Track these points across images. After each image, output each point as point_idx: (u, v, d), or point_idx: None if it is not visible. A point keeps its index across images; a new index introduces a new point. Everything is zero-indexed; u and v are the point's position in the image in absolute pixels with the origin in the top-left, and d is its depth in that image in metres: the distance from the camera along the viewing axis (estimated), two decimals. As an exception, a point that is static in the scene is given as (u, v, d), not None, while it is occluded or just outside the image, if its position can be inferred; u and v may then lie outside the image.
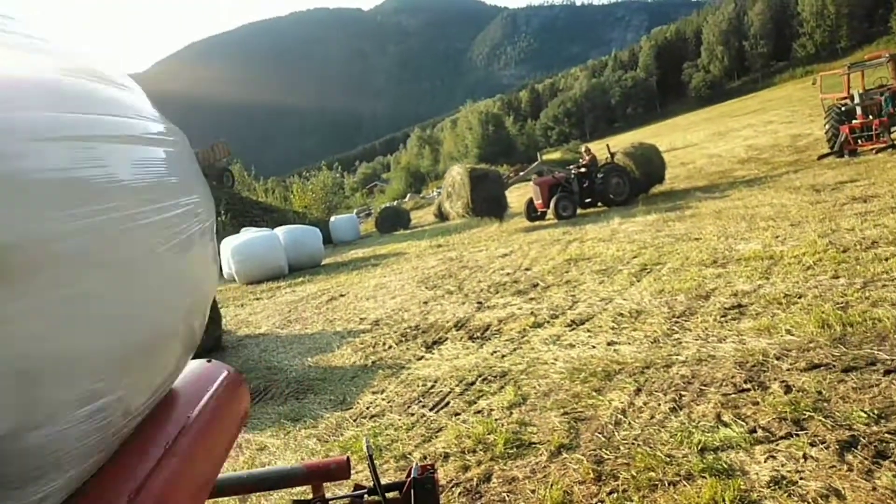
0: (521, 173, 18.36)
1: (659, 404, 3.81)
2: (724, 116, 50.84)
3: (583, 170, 16.49)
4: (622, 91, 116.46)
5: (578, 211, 15.97)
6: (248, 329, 9.66)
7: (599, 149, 18.21)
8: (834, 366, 3.81)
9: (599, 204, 16.36)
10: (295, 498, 3.14)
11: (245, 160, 54.77)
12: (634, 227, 11.51)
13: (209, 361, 1.82)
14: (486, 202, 16.33)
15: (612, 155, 16.84)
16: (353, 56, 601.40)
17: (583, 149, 17.83)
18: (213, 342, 8.14)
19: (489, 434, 3.86)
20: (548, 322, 6.26)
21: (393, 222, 29.13)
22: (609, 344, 5.16)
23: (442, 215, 27.42)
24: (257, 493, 3.44)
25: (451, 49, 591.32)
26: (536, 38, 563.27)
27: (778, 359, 4.10)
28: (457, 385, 4.97)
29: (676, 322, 5.36)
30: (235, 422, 2.03)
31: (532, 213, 16.70)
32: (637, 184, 16.38)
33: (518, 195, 20.50)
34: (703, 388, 3.93)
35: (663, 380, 4.18)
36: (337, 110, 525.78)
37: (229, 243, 16.64)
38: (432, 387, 5.07)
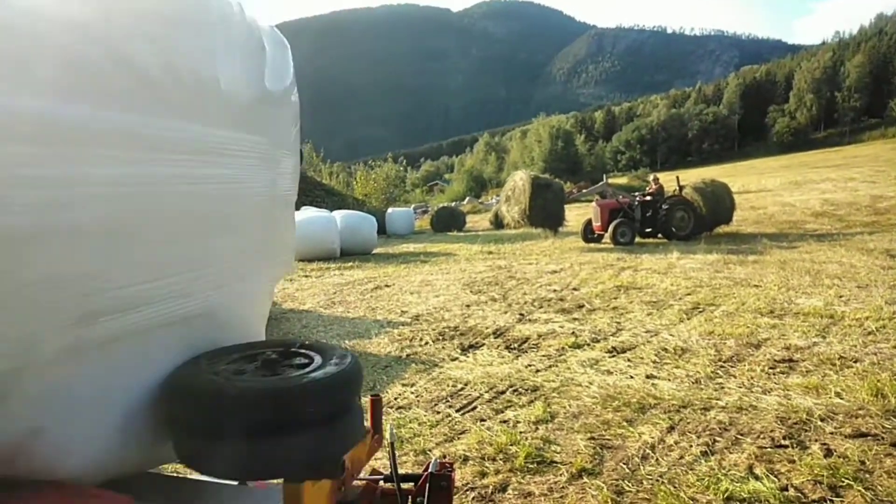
0: (585, 190, 18.10)
1: (690, 446, 3.70)
2: (804, 166, 49.08)
3: (647, 198, 16.12)
4: (701, 125, 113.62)
5: (636, 239, 15.62)
6: (292, 304, 9.86)
7: (668, 180, 17.76)
8: (882, 438, 3.62)
9: (659, 235, 15.95)
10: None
11: (315, 142, 55.97)
12: (693, 264, 11.22)
13: None
14: (544, 212, 16.17)
15: (681, 188, 16.35)
16: (435, 55, 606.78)
17: (651, 177, 17.44)
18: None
19: (512, 445, 3.82)
20: (588, 345, 6.16)
21: (448, 223, 29.23)
22: (648, 377, 5.04)
23: (497, 223, 27.38)
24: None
25: (532, 60, 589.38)
26: (621, 61, 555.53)
27: (822, 420, 3.92)
28: (486, 391, 4.95)
29: (722, 366, 5.19)
30: None
31: (588, 234, 16.38)
32: (702, 221, 15.87)
33: (576, 214, 20.27)
34: (740, 437, 3.79)
35: (699, 422, 4.05)
36: (411, 106, 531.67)
37: (288, 219, 17.00)
38: (462, 389, 5.07)
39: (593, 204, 16.59)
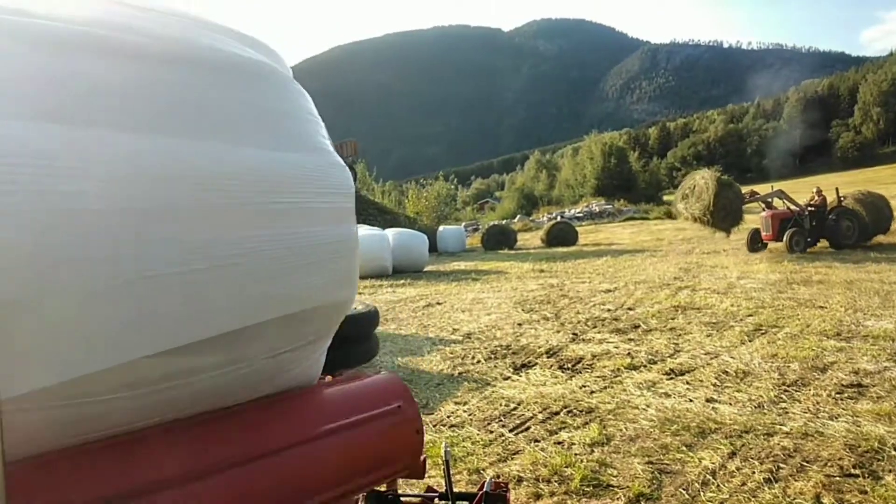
0: (758, 196, 18.13)
1: (753, 472, 3.58)
2: (870, 182, 46.85)
3: (812, 209, 16.53)
4: (761, 141, 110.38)
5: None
6: (346, 320, 10.00)
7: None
8: (964, 470, 3.42)
9: (826, 243, 16.36)
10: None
11: (368, 161, 56.89)
12: (754, 285, 10.87)
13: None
14: (725, 211, 16.61)
15: (842, 199, 16.80)
16: (485, 74, 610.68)
17: (814, 189, 17.64)
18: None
19: (566, 467, 3.77)
20: (644, 366, 6.04)
21: (499, 240, 29.14)
22: (708, 400, 4.90)
23: (549, 241, 27.18)
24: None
25: (584, 77, 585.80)
26: (675, 76, 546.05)
27: (897, 450, 3.73)
28: (540, 412, 4.90)
29: (786, 390, 5.00)
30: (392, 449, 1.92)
31: (755, 243, 16.88)
32: (866, 230, 16.29)
33: (628, 232, 19.86)
34: (805, 464, 3.64)
35: (762, 448, 3.91)
36: (462, 124, 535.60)
37: (342, 237, 17.34)
38: (515, 409, 5.04)
39: (762, 214, 17.02)
